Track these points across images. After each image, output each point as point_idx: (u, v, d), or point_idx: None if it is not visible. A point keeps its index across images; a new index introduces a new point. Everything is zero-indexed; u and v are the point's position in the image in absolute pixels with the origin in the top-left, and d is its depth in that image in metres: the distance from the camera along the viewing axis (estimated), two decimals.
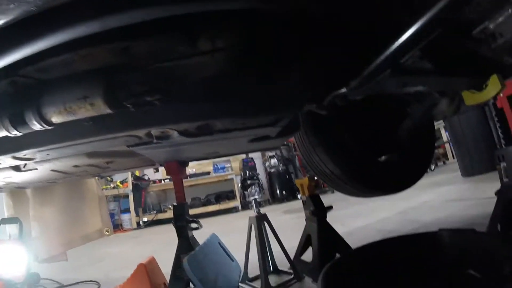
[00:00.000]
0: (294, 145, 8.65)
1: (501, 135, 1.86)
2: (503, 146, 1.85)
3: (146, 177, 8.87)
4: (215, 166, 9.39)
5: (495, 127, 1.90)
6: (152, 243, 5.23)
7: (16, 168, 1.54)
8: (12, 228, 2.30)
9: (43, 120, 0.93)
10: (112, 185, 8.32)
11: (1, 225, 2.23)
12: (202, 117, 1.06)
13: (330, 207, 2.22)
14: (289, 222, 4.81)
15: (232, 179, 9.11)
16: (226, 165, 9.53)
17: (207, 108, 1.03)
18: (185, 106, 1.03)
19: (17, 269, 2.11)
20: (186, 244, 1.78)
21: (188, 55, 0.87)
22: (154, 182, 8.91)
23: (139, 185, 8.45)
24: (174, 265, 1.75)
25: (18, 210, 2.51)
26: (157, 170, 9.06)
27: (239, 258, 2.20)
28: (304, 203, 2.27)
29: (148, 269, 1.87)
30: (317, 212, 2.15)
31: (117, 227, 7.83)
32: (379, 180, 2.19)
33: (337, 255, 2.05)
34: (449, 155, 10.27)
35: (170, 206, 8.17)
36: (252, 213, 2.30)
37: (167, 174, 1.87)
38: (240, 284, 2.09)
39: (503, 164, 1.81)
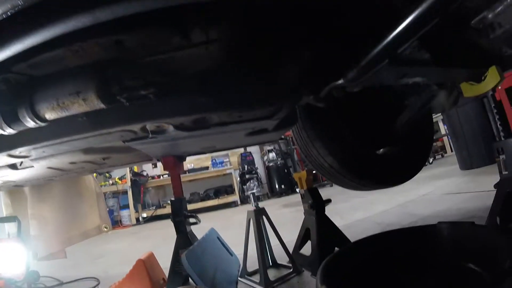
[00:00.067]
0: (292, 139, 8.67)
1: (500, 127, 1.84)
2: (502, 138, 1.84)
3: (144, 173, 8.89)
4: (214, 160, 9.40)
5: (494, 120, 1.89)
6: (151, 238, 5.24)
7: (13, 166, 1.53)
8: (10, 227, 2.29)
9: (37, 116, 0.92)
10: (110, 182, 8.32)
11: (0, 223, 2.23)
12: (197, 111, 1.05)
13: (329, 200, 2.22)
14: (288, 216, 4.82)
15: (230, 173, 9.14)
16: (225, 160, 9.55)
17: (202, 101, 1.02)
18: (180, 99, 1.01)
19: (16, 267, 2.11)
20: (184, 239, 1.77)
21: (181, 47, 0.86)
22: (153, 177, 8.93)
23: (138, 181, 8.46)
24: (173, 260, 1.75)
25: (16, 208, 2.50)
26: (155, 166, 9.08)
27: (238, 252, 2.20)
28: (302, 196, 2.27)
29: (147, 264, 1.87)
30: (316, 205, 2.15)
31: (117, 223, 7.85)
32: (378, 173, 2.18)
33: (336, 248, 2.05)
34: (447, 148, 10.31)
35: (169, 202, 8.16)
36: (251, 207, 2.29)
37: (164, 169, 1.86)
38: (239, 278, 2.09)
39: (502, 157, 1.80)
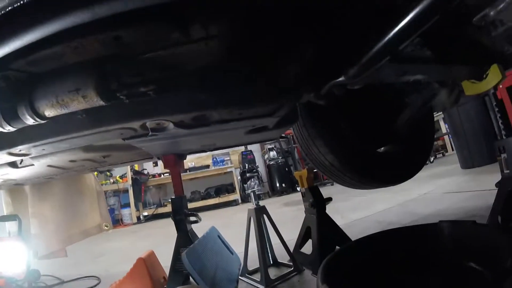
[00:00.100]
0: (293, 137, 8.66)
1: (502, 126, 1.84)
2: (504, 137, 1.83)
3: (145, 172, 8.88)
4: (214, 159, 9.40)
5: (496, 118, 1.88)
6: (152, 237, 5.24)
7: (13, 165, 1.53)
8: (11, 226, 2.30)
9: (36, 114, 0.92)
10: (111, 180, 8.32)
11: (1, 222, 2.23)
12: (197, 108, 1.04)
13: (330, 199, 2.22)
14: (288, 215, 4.81)
15: (231, 172, 9.13)
16: (225, 158, 9.55)
17: (202, 98, 1.01)
18: (180, 96, 1.01)
19: (17, 266, 2.11)
20: (185, 237, 1.77)
21: (181, 43, 0.85)
22: (154, 176, 8.93)
23: (139, 179, 8.46)
24: (174, 258, 1.75)
25: (17, 207, 2.50)
26: (156, 164, 9.08)
27: (239, 251, 2.20)
28: (303, 195, 2.26)
29: (147, 263, 1.87)
30: (317, 204, 2.14)
31: (117, 222, 7.85)
32: (378, 172, 2.18)
33: (337, 247, 2.04)
34: (448, 147, 10.29)
35: (169, 200, 8.17)
36: (251, 205, 2.29)
37: (165, 167, 1.86)
38: (239, 277, 2.09)
39: (503, 155, 1.79)
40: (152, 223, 7.41)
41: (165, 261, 1.91)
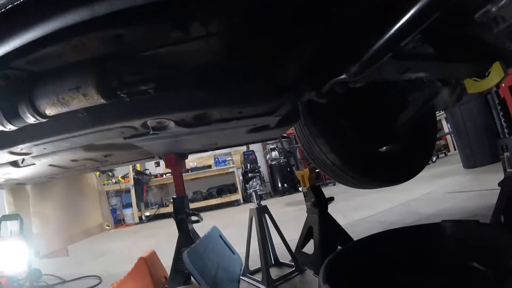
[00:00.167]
0: (295, 137, 8.65)
1: (505, 124, 1.83)
2: (507, 135, 1.82)
3: (147, 172, 8.89)
4: (216, 159, 9.40)
5: (498, 116, 1.87)
6: (154, 237, 5.24)
7: (15, 164, 1.53)
8: (13, 225, 2.30)
9: (37, 112, 0.91)
10: (113, 180, 8.34)
11: (2, 221, 2.23)
12: (197, 106, 1.04)
13: (332, 199, 2.21)
14: (290, 215, 4.81)
15: (233, 172, 9.12)
16: (227, 158, 9.55)
17: (202, 96, 1.01)
18: (180, 94, 1.01)
19: (18, 265, 2.12)
20: (186, 237, 1.77)
21: (181, 41, 0.85)
22: (156, 176, 8.94)
23: (141, 179, 8.47)
24: (175, 258, 1.75)
25: (18, 206, 2.51)
26: (158, 165, 9.09)
27: (240, 250, 2.19)
28: (305, 194, 2.26)
29: (149, 262, 1.87)
30: (318, 203, 2.14)
31: (119, 222, 7.85)
32: (380, 171, 2.17)
33: (339, 247, 2.04)
34: (451, 147, 10.26)
35: (171, 200, 8.16)
36: (253, 205, 2.28)
37: (166, 166, 1.86)
38: (241, 277, 2.09)
39: (506, 154, 1.78)
40: (154, 223, 7.42)
41: (167, 261, 1.91)
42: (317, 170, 2.34)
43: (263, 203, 2.31)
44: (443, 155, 10.17)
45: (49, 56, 0.86)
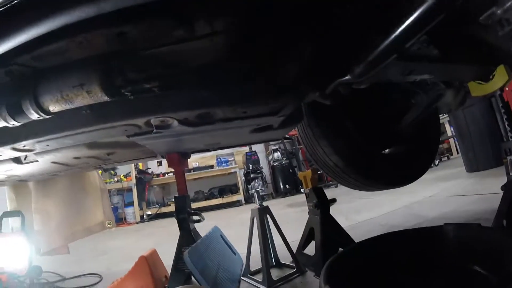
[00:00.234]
0: (297, 138, 8.64)
1: (508, 128, 1.82)
2: (510, 139, 1.81)
3: (149, 171, 8.91)
4: (219, 159, 9.41)
5: (502, 119, 1.86)
6: (155, 236, 5.25)
7: (17, 160, 1.53)
8: (14, 221, 2.31)
9: (41, 109, 0.92)
10: (115, 179, 8.35)
11: (4, 218, 2.24)
12: (201, 105, 1.04)
13: (334, 200, 2.20)
14: (292, 216, 4.80)
15: (235, 172, 9.13)
16: (230, 159, 9.55)
17: (205, 95, 1.01)
18: (184, 93, 1.01)
19: (19, 262, 2.12)
20: (187, 236, 1.77)
21: (185, 39, 0.85)
22: (158, 175, 8.96)
23: (143, 178, 8.49)
24: (176, 257, 1.75)
25: (20, 203, 2.52)
26: (160, 164, 9.11)
27: (241, 251, 2.19)
28: (307, 196, 2.25)
29: (149, 261, 1.87)
30: (320, 204, 2.13)
31: (121, 220, 7.87)
32: (383, 174, 2.17)
33: (340, 248, 2.03)
34: (454, 150, 10.23)
35: (173, 199, 8.15)
36: (255, 206, 2.28)
37: (169, 166, 1.86)
38: (241, 277, 2.09)
39: (510, 158, 1.78)
40: (155, 222, 7.43)
41: (168, 260, 1.91)
42: (319, 172, 2.34)
43: (265, 204, 2.30)
44: (446, 158, 10.15)
45: (53, 53, 0.85)
